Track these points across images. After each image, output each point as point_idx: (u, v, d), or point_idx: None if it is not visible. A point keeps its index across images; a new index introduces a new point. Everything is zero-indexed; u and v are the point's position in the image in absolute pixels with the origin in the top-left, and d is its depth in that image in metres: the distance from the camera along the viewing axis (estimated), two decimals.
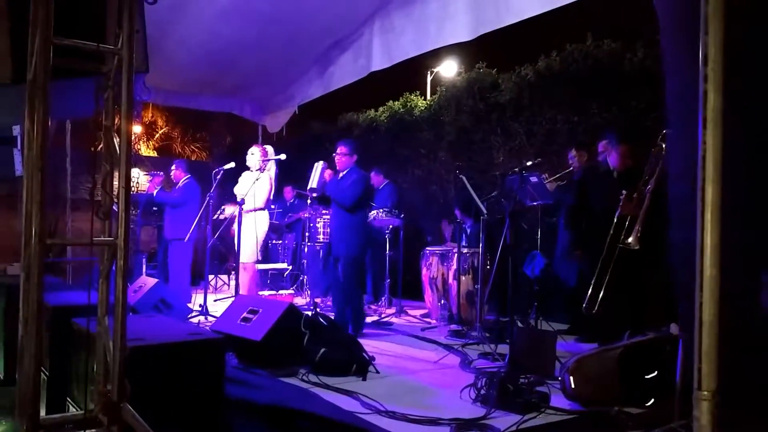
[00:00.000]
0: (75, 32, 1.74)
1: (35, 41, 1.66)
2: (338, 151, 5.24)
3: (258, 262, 5.97)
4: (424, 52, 5.29)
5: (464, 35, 4.63)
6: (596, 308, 3.81)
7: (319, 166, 5.27)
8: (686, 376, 2.66)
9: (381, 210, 6.30)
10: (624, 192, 3.85)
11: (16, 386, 1.82)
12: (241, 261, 5.63)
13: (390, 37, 5.64)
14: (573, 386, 3.01)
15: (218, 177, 5.89)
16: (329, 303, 6.74)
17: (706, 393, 1.15)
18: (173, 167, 6.78)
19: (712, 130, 1.15)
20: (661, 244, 3.80)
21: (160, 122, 18.10)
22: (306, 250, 7.78)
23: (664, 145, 3.72)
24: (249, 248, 5.70)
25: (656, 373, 3.03)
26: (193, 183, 6.60)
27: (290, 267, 8.13)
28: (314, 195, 5.30)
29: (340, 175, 5.27)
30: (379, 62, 5.77)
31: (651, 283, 3.92)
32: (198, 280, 8.38)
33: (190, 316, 5.51)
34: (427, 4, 5.09)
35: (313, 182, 5.20)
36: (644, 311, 3.87)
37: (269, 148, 6.05)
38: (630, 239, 3.62)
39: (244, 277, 5.75)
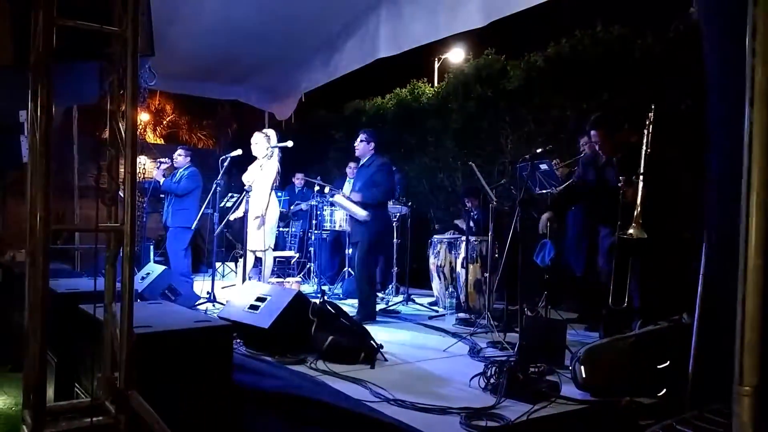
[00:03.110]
0: (78, 13, 1.71)
1: (38, 22, 1.62)
2: (357, 138, 5.35)
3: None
4: (436, 40, 5.23)
5: (476, 22, 4.56)
6: (625, 303, 3.74)
7: (340, 198, 5.23)
8: (698, 366, 2.63)
9: None
10: (622, 179, 3.74)
11: (23, 373, 1.81)
12: (252, 249, 5.62)
13: (398, 24, 5.57)
14: (584, 376, 2.98)
15: (225, 164, 5.87)
16: (336, 291, 6.74)
17: (747, 388, 1.10)
18: (178, 153, 6.77)
19: (760, 108, 1.08)
20: (667, 230, 3.73)
21: (167, 109, 18.06)
22: (313, 237, 7.76)
23: (649, 126, 3.66)
24: (260, 235, 5.69)
25: (668, 363, 2.99)
26: (195, 172, 6.60)
27: (297, 255, 8.12)
28: (368, 218, 5.15)
29: (362, 162, 5.34)
30: (388, 49, 5.71)
31: (664, 271, 3.86)
32: (205, 267, 8.41)
33: (197, 303, 5.51)
34: None
35: (359, 211, 5.11)
36: (656, 301, 3.82)
37: (271, 133, 5.99)
38: (632, 231, 3.54)
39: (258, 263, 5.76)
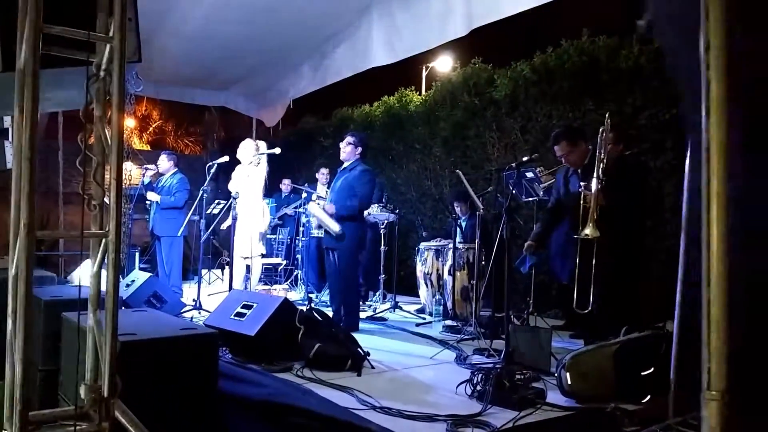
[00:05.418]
0: (65, 20, 1.70)
1: (24, 28, 1.62)
2: (345, 140, 5.21)
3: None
4: (428, 48, 5.26)
5: (462, 30, 4.60)
6: (590, 306, 3.77)
7: (315, 208, 5.11)
8: (681, 373, 2.66)
9: (376, 205, 6.27)
10: (582, 185, 3.83)
11: (5, 381, 1.79)
12: (242, 255, 5.60)
13: (392, 33, 5.57)
14: (569, 383, 3.00)
15: (212, 171, 5.85)
16: (324, 298, 6.72)
17: (715, 393, 1.12)
18: (161, 158, 6.74)
19: (716, 120, 1.11)
20: (631, 231, 3.81)
21: (154, 115, 17.98)
22: (300, 245, 7.74)
23: (602, 131, 3.76)
24: (250, 242, 5.67)
25: (652, 369, 3.02)
26: (184, 178, 6.58)
27: (284, 262, 8.09)
28: (339, 232, 4.99)
29: (344, 165, 5.22)
30: (382, 58, 5.71)
31: (643, 277, 3.91)
32: (191, 274, 8.35)
33: (182, 310, 5.47)
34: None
35: (332, 225, 4.95)
36: (640, 308, 3.85)
37: (261, 144, 6.00)
38: (587, 230, 3.61)
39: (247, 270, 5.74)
